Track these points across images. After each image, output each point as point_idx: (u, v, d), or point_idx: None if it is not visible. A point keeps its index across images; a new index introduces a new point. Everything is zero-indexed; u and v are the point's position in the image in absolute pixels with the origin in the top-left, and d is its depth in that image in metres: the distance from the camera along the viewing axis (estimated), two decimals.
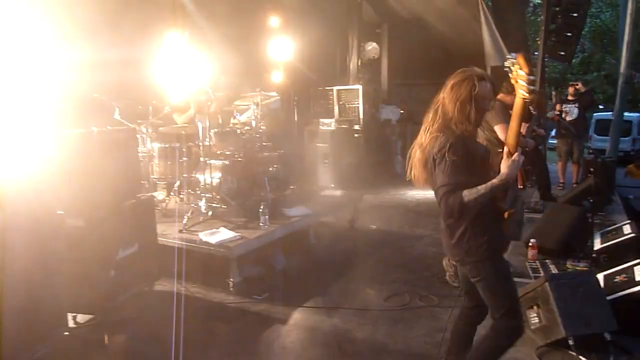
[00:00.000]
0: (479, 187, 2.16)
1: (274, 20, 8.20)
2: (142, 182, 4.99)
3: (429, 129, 2.32)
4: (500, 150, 2.35)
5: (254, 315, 3.87)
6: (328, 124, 8.83)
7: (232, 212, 5.09)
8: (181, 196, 5.34)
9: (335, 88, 9.72)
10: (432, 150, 2.26)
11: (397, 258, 5.15)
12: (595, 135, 17.52)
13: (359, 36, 9.98)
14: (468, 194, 2.15)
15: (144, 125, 5.33)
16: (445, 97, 2.28)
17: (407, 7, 10.14)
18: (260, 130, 5.72)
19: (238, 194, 5.25)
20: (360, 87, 9.50)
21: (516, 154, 2.22)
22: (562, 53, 8.75)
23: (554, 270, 4.47)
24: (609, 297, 3.29)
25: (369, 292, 4.31)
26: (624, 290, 3.31)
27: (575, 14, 9.01)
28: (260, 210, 4.72)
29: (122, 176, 3.90)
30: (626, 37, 8.76)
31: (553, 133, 11.20)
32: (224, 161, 5.22)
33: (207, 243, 4.27)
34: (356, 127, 9.33)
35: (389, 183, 9.39)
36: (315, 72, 9.70)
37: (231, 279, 4.23)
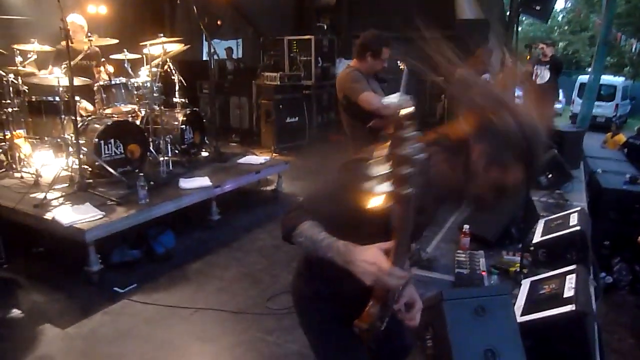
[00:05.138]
0: (322, 234, 1.29)
1: None
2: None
3: None
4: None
5: (101, 316, 3.12)
6: (273, 79, 7.89)
7: (116, 183, 4.27)
8: (58, 160, 4.46)
9: (286, 38, 8.69)
10: None
11: None
12: (577, 99, 16.73)
13: None
14: (304, 229, 1.32)
15: (11, 74, 4.36)
16: None
17: None
18: (158, 85, 4.81)
19: (125, 161, 4.41)
20: (312, 37, 8.48)
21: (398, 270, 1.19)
22: (538, 8, 7.78)
23: (482, 265, 3.75)
24: (525, 318, 2.59)
25: (257, 288, 3.56)
26: (545, 309, 2.59)
27: None
28: (139, 183, 3.89)
29: None
30: None
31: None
32: (107, 121, 4.34)
33: (57, 223, 3.46)
34: (306, 82, 8.39)
35: (340, 145, 8.57)
36: (265, 18, 8.66)
37: (87, 267, 3.47)
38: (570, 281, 2.79)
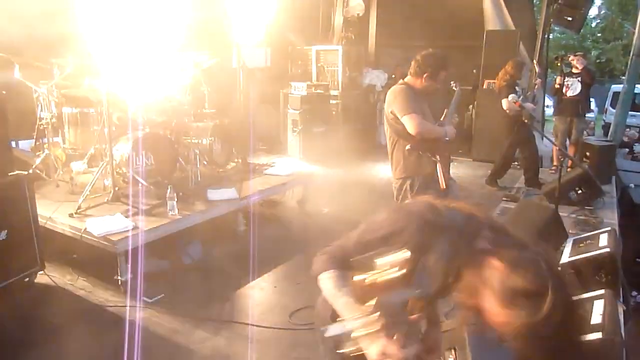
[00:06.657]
0: (343, 290, 1.36)
1: None
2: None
3: None
4: None
5: (130, 327, 3.21)
6: (300, 88, 7.97)
7: (146, 193, 4.39)
8: (91, 170, 4.62)
9: (314, 48, 8.77)
10: None
11: None
12: (610, 109, 16.30)
13: None
14: (329, 277, 1.39)
15: (48, 87, 4.54)
16: None
17: None
18: (188, 97, 4.93)
19: (155, 172, 4.53)
20: (340, 47, 8.54)
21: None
22: (569, 19, 7.63)
23: None
24: None
25: (281, 301, 3.61)
26: None
27: None
28: (168, 194, 4.00)
29: None
30: None
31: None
32: (138, 133, 4.47)
33: (89, 233, 3.58)
34: (333, 92, 8.44)
35: (366, 156, 8.58)
36: (295, 28, 8.74)
37: (118, 277, 3.58)
38: (598, 307, 2.74)
